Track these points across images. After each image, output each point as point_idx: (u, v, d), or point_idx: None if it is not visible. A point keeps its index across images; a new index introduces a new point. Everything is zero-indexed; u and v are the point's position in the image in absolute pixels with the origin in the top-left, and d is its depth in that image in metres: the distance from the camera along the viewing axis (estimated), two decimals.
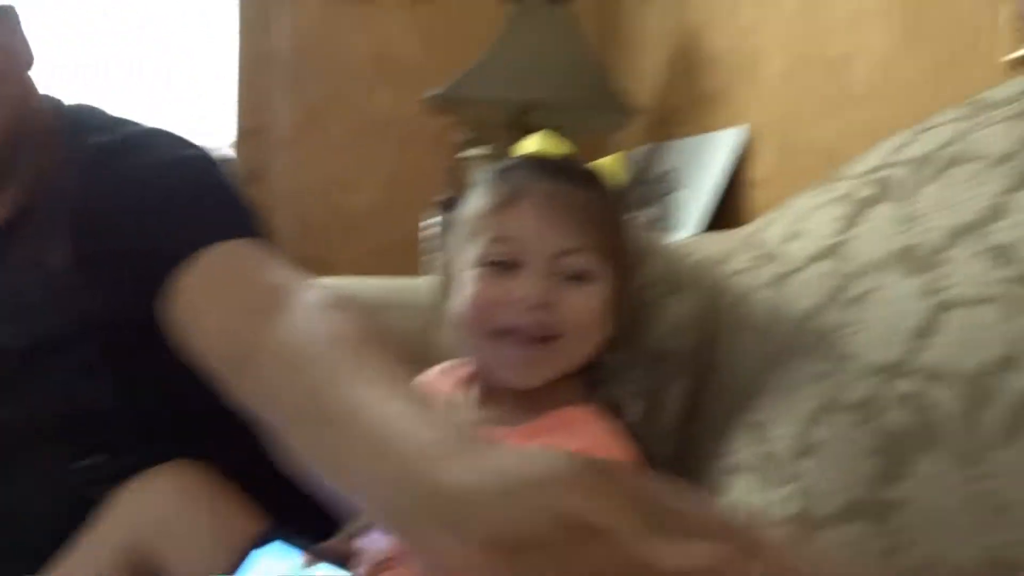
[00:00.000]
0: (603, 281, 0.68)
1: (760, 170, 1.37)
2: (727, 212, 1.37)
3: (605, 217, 0.70)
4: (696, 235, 1.31)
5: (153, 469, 0.74)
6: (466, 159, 1.41)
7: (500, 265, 0.67)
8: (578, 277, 0.67)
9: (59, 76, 1.89)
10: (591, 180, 0.72)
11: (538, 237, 0.67)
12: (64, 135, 0.77)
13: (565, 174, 0.71)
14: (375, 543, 0.68)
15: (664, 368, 0.84)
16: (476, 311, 0.67)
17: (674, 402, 0.83)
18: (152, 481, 0.74)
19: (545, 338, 0.66)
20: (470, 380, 0.73)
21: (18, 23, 0.76)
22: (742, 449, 0.70)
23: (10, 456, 0.77)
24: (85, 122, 0.78)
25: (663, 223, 1.43)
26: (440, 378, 0.76)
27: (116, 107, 0.84)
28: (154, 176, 0.72)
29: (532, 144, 0.76)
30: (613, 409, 0.71)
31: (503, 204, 0.68)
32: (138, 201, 0.71)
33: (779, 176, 1.33)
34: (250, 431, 0.59)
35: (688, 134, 1.55)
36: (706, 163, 1.44)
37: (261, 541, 0.68)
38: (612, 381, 0.74)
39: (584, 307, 0.67)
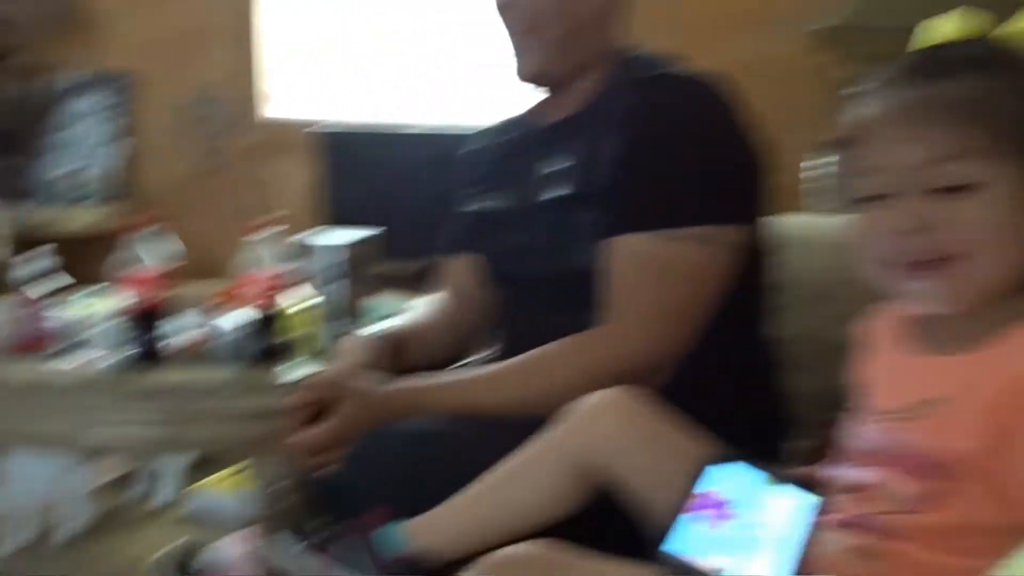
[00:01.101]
0: (998, 184, 0.59)
1: None
2: None
3: (1001, 106, 0.60)
4: None
5: (601, 393, 0.80)
6: (851, 95, 1.32)
7: (873, 199, 0.63)
8: (959, 188, 0.59)
9: None
10: (987, 64, 0.63)
11: (897, 158, 0.61)
12: (623, 64, 0.99)
13: (943, 69, 0.63)
14: (847, 473, 0.67)
15: None
16: (864, 251, 0.65)
17: None
18: (604, 402, 0.79)
19: (937, 262, 0.60)
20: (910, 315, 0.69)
21: None
22: None
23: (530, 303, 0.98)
24: (641, 59, 1.00)
25: None
26: (886, 319, 0.73)
27: None
28: (680, 117, 0.92)
29: (945, 26, 0.66)
30: None
31: (861, 134, 0.64)
32: (664, 136, 0.91)
33: None
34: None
35: None
36: None
37: (718, 461, 0.70)
38: None
39: (973, 220, 0.59)
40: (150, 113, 2.96)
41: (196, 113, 2.89)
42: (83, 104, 2.96)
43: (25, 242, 2.05)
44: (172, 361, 1.23)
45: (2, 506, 1.44)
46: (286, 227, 1.32)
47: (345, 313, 1.42)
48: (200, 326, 1.29)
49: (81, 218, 2.71)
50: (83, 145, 2.92)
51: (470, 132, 1.13)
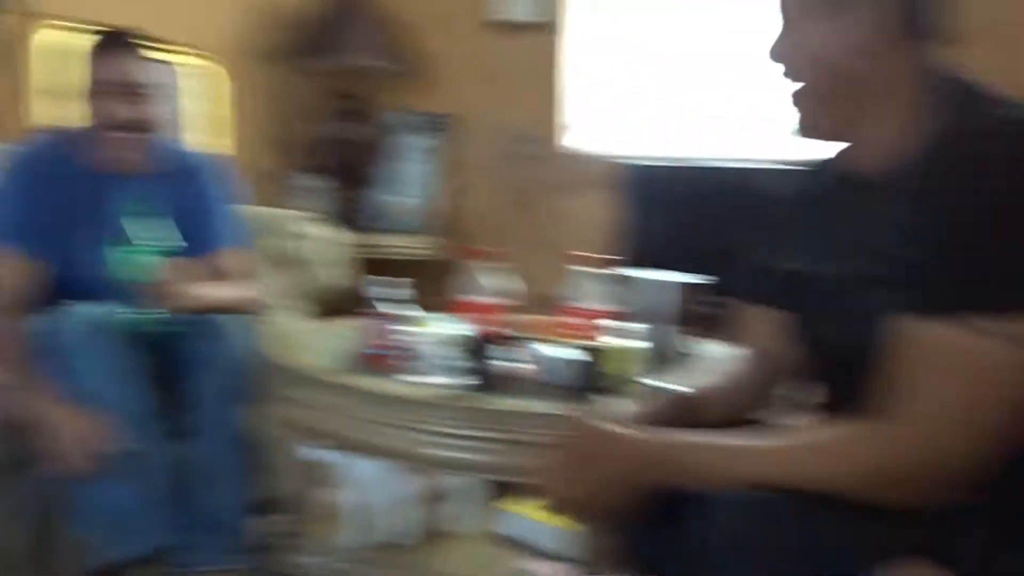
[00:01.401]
0: None
1: None
2: None
3: None
4: None
5: None
6: None
7: None
8: None
9: None
10: None
11: None
12: (943, 101, 0.78)
13: None
14: None
15: None
16: None
17: None
18: None
19: None
20: None
21: None
22: None
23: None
24: (964, 93, 0.79)
25: None
26: None
27: None
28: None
29: None
30: None
31: None
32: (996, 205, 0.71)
33: None
34: None
35: None
36: None
37: None
38: None
39: None
40: (469, 150, 3.19)
41: (509, 150, 3.07)
42: (412, 142, 3.26)
43: (361, 266, 2.29)
44: (503, 388, 1.27)
45: (341, 506, 1.58)
46: (605, 261, 1.32)
47: (664, 355, 1.39)
48: (528, 356, 1.32)
49: (408, 246, 2.97)
50: (411, 179, 3.21)
51: (772, 168, 1.02)
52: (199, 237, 1.68)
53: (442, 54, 3.16)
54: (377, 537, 1.58)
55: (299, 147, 3.08)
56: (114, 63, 1.55)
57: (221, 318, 1.56)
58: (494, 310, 1.25)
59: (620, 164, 2.53)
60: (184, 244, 1.64)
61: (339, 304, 2.20)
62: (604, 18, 2.91)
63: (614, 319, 1.29)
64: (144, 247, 1.46)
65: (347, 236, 2.27)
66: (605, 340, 1.28)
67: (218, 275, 1.66)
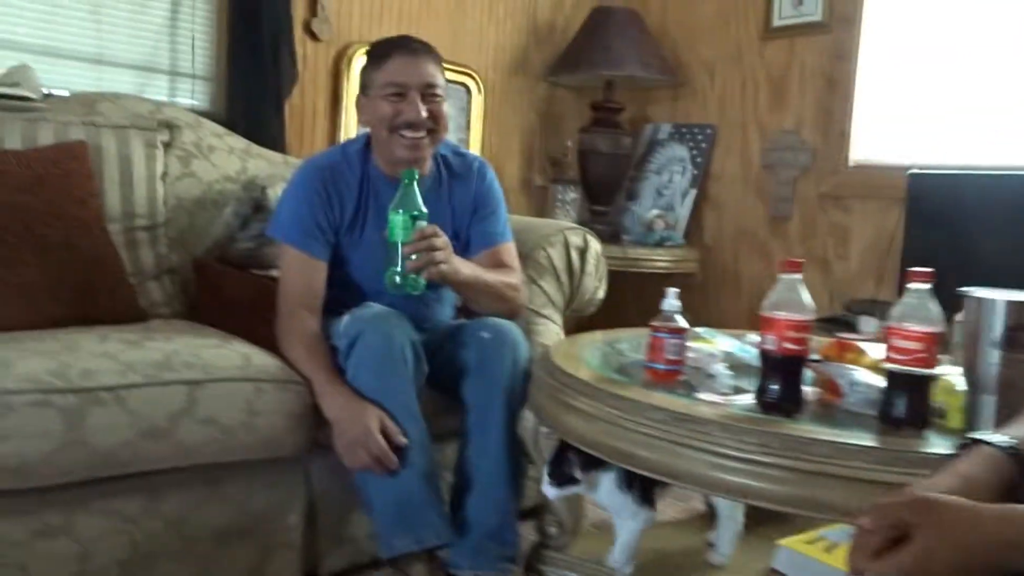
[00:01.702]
0: None
1: None
2: None
3: None
4: None
5: None
6: None
7: None
8: None
9: None
10: None
11: None
12: None
13: None
14: None
15: None
16: None
17: None
18: None
19: None
20: None
21: None
22: None
23: None
24: None
25: None
26: None
27: None
28: None
29: None
30: None
31: None
32: None
33: None
34: None
35: None
36: None
37: None
38: None
39: None
40: (727, 161, 3.06)
41: (775, 158, 2.89)
42: (670, 153, 3.18)
43: (617, 277, 2.25)
44: (806, 413, 1.16)
45: (610, 523, 1.54)
46: (917, 276, 1.15)
47: (993, 388, 1.20)
48: (837, 380, 1.20)
49: (662, 258, 2.90)
50: (668, 191, 3.13)
51: None
52: (477, 234, 1.72)
53: (714, 63, 3.06)
54: (640, 558, 1.51)
55: (556, 159, 3.11)
56: (412, 65, 1.59)
57: (506, 323, 1.58)
58: (803, 328, 1.14)
59: (912, 174, 2.28)
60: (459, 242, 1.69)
61: (596, 316, 2.18)
62: (896, 16, 2.65)
63: (930, 342, 1.13)
64: (418, 213, 1.47)
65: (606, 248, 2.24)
66: (922, 366, 1.13)
67: (496, 267, 1.69)
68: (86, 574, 1.29)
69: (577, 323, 2.19)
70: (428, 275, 1.47)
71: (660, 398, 1.21)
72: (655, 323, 1.33)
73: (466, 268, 1.58)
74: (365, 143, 1.69)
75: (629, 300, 2.57)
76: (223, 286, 1.80)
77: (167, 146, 1.96)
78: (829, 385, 1.21)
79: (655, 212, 3.00)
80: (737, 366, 1.40)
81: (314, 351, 1.53)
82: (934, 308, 1.09)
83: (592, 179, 3.05)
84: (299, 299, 1.60)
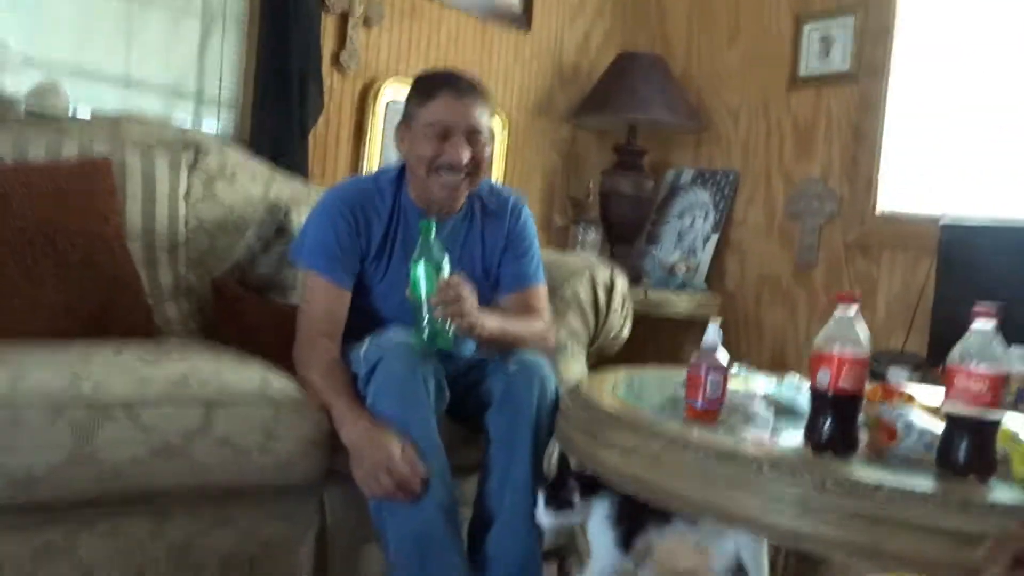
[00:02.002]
0: None
1: None
2: None
3: None
4: None
5: None
6: None
7: None
8: None
9: None
10: None
11: None
12: None
13: None
14: None
15: None
16: None
17: None
18: None
19: None
20: None
21: None
22: None
23: None
24: None
25: None
26: None
27: None
28: None
29: None
30: None
31: None
32: None
33: None
34: None
35: None
36: None
37: None
38: None
39: None
40: (751, 208, 3.03)
41: (801, 206, 2.86)
42: (692, 198, 3.16)
43: (636, 321, 2.20)
44: (859, 455, 1.10)
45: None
46: (993, 313, 1.09)
47: None
48: (889, 420, 1.14)
49: (683, 303, 2.85)
50: (690, 236, 3.10)
51: None
52: (508, 274, 1.67)
53: (739, 109, 3.06)
54: None
55: (578, 200, 3.09)
56: (459, 107, 1.53)
57: (534, 356, 1.53)
58: (853, 364, 1.08)
59: (945, 225, 2.25)
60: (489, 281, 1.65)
61: (615, 360, 2.13)
62: (923, 67, 2.64)
63: (996, 383, 1.07)
64: (441, 264, 1.42)
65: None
66: (985, 411, 1.06)
67: (524, 311, 1.64)
68: None
69: (599, 363, 2.13)
70: (456, 325, 1.43)
71: (704, 435, 1.15)
72: (695, 359, 1.28)
73: (492, 322, 1.51)
74: (399, 172, 1.66)
75: (648, 345, 2.52)
76: (242, 311, 1.75)
77: (191, 167, 1.93)
78: (882, 427, 1.14)
79: (677, 255, 2.96)
80: (777, 408, 1.34)
81: (334, 377, 1.47)
82: (999, 347, 1.04)
83: (613, 220, 3.02)
84: (320, 326, 1.55)
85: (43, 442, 1.14)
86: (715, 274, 3.03)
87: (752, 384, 1.43)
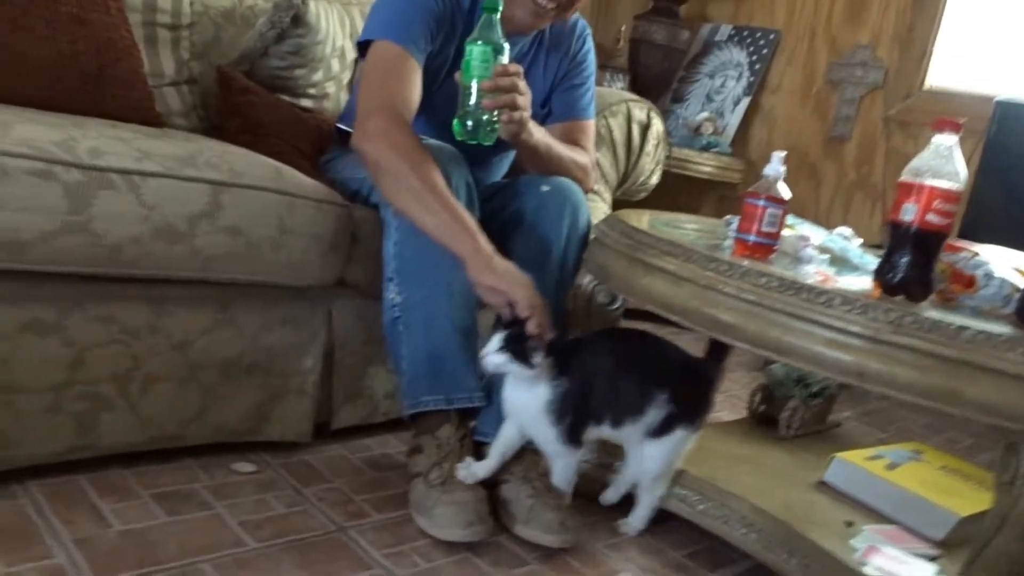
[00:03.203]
0: None
1: None
2: None
3: None
4: None
5: None
6: None
7: None
8: None
9: None
10: None
11: None
12: None
13: None
14: None
15: None
16: None
17: None
18: None
19: None
20: None
21: None
22: None
23: None
24: None
25: None
26: None
27: None
28: None
29: None
30: None
31: None
32: None
33: None
34: None
35: None
36: None
37: None
38: None
39: None
40: (788, 73, 2.85)
41: (843, 74, 2.69)
42: (726, 56, 2.97)
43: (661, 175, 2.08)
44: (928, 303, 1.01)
45: None
46: None
47: None
48: (968, 269, 1.05)
49: (707, 164, 2.72)
50: (720, 97, 2.93)
51: None
52: (560, 102, 1.54)
53: None
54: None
55: (607, 46, 2.89)
56: None
57: (570, 183, 1.41)
58: (946, 198, 0.96)
59: (1000, 101, 2.11)
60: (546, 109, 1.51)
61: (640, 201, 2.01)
62: None
63: None
64: (501, 49, 1.23)
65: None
66: None
67: (571, 142, 1.51)
68: (76, 382, 1.13)
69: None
70: (504, 122, 1.26)
71: (762, 265, 1.05)
72: (753, 188, 1.16)
73: (539, 132, 1.38)
74: None
75: (666, 203, 2.40)
76: (250, 104, 1.60)
77: None
78: (958, 276, 1.05)
79: (704, 115, 2.80)
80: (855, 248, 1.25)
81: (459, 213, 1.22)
82: None
83: (642, 69, 2.84)
84: (396, 101, 1.26)
85: (33, 203, 1.01)
86: (740, 139, 2.88)
87: (801, 231, 1.33)
